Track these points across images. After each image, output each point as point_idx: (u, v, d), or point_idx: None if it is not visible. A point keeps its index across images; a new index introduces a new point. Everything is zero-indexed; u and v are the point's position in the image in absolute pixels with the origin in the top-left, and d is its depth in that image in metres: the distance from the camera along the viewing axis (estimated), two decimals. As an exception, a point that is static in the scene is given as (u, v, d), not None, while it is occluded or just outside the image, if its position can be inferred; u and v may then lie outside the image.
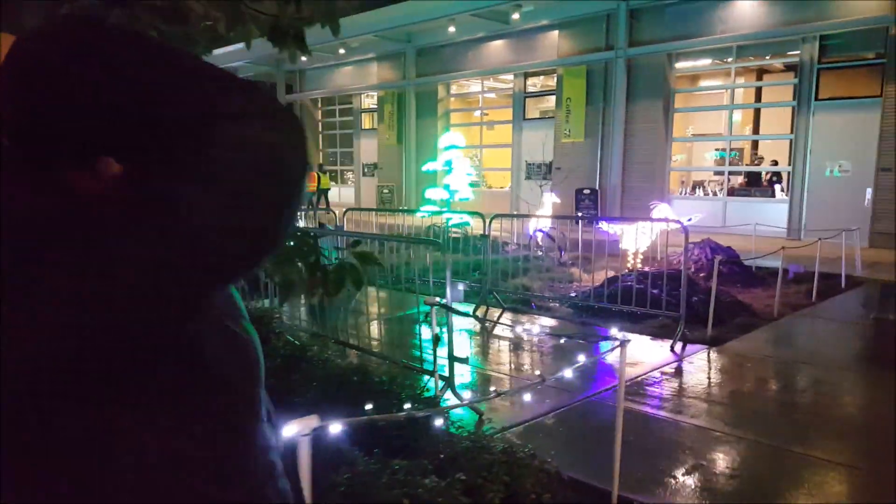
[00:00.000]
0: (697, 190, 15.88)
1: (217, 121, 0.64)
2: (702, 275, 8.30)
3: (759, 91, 16.59)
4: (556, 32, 16.25)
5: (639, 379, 4.73)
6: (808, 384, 4.76)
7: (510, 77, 17.95)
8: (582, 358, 3.47)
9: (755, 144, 16.88)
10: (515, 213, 14.15)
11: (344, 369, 3.92)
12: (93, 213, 0.64)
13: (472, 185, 12.39)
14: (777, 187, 14.19)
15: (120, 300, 0.61)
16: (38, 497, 0.65)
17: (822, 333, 6.24)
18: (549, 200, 10.47)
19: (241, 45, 2.30)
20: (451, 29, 17.01)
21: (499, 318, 6.71)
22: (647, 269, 7.82)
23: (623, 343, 2.87)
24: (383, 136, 20.73)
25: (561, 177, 16.37)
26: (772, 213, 13.47)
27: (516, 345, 5.94)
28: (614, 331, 3.36)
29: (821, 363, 5.15)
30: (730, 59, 14.04)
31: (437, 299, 3.99)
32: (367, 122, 22.24)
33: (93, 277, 0.60)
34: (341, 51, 19.94)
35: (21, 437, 0.63)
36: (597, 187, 15.67)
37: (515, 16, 15.65)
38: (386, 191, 19.99)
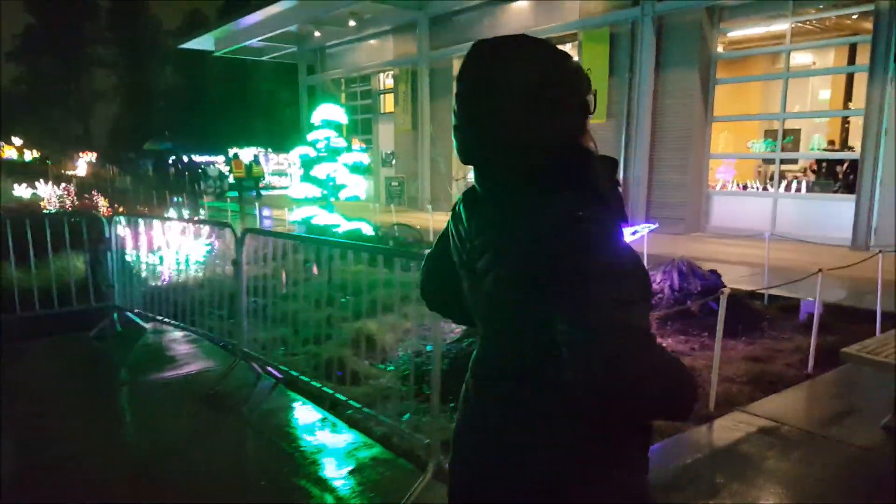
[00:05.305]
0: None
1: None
2: (658, 314, 5.59)
3: (852, 52, 12.70)
4: (579, -10, 13.42)
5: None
6: None
7: (530, 48, 15.24)
8: None
9: (844, 126, 13.25)
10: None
11: None
12: None
13: (364, 170, 9.35)
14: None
15: None
16: None
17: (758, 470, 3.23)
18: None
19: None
20: (460, -11, 14.61)
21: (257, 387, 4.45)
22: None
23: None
24: (399, 120, 18.60)
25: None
26: (837, 215, 10.20)
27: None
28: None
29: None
30: (786, 14, 10.71)
31: None
32: (389, 104, 20.10)
33: None
34: (351, 23, 18.00)
35: None
36: (619, 181, 12.78)
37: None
38: (395, 184, 17.81)
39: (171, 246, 6.11)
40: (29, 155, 40.96)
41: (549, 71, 1.09)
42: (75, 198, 15.83)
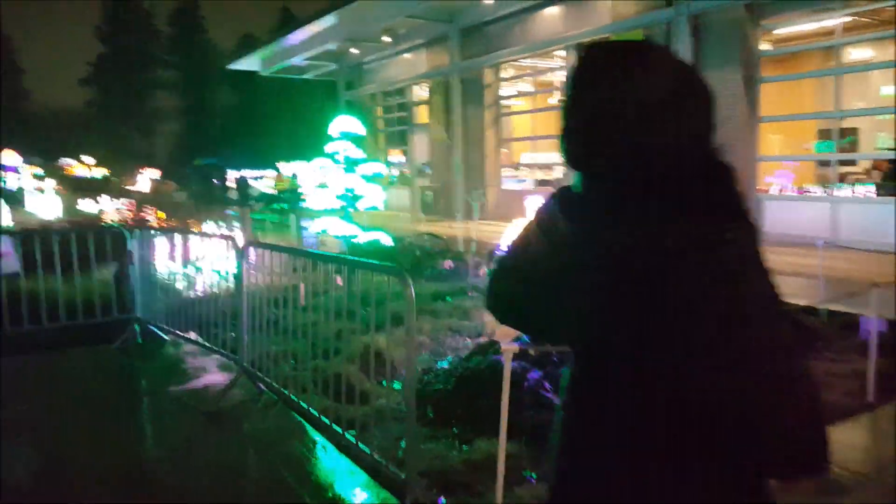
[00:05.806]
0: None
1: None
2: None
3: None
4: (611, -8, 12.96)
5: None
6: None
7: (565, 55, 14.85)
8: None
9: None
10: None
11: None
12: None
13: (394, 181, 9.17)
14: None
15: None
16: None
17: None
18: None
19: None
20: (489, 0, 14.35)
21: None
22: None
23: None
24: (434, 130, 18.43)
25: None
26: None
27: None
28: None
29: None
30: (835, 7, 9.99)
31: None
32: (423, 115, 19.94)
33: None
34: (386, 38, 17.99)
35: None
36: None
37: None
38: (428, 192, 17.62)
39: (189, 259, 6.24)
40: (98, 172, 42.93)
41: (678, 77, 1.05)
42: (133, 211, 16.25)
